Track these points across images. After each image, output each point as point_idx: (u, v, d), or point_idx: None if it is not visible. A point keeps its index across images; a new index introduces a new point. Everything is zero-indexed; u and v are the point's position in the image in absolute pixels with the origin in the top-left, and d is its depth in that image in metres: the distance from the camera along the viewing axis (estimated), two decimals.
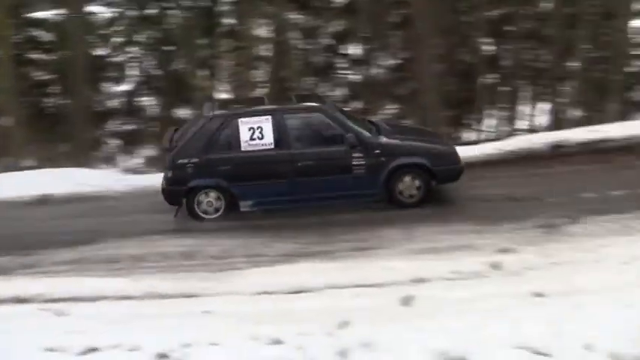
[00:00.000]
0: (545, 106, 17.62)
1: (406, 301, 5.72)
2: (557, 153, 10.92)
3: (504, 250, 6.84)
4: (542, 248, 6.86)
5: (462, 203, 8.61)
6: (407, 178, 8.73)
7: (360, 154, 8.64)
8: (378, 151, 8.69)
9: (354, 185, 8.68)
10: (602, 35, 17.23)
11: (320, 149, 8.71)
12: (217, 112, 8.89)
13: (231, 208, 8.68)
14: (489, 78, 16.64)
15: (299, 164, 8.62)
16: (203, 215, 8.72)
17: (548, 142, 11.25)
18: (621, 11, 16.17)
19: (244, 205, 8.72)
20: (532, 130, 16.32)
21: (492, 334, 4.81)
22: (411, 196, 8.74)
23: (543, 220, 7.74)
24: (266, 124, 8.60)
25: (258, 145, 8.58)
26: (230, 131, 8.63)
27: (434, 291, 5.91)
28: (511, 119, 17.57)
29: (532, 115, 18.27)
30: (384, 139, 8.87)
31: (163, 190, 8.80)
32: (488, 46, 17.01)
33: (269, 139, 8.58)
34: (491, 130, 17.31)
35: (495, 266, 6.44)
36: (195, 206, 8.71)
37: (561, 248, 6.83)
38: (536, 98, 18.24)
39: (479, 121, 17.31)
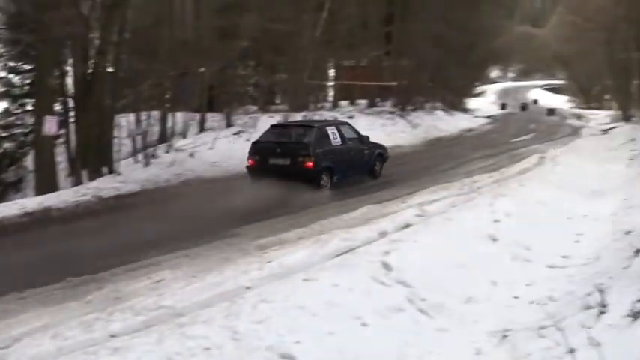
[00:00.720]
0: None
1: None
2: None
3: None
4: None
5: None
6: (377, 161, 17.10)
7: (366, 147, 16.65)
8: (370, 145, 16.94)
9: (362, 166, 16.52)
10: None
11: (353, 145, 16.21)
12: (320, 124, 16.36)
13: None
14: None
15: (351, 153, 16.02)
16: (324, 185, 14.83)
17: None
18: None
19: (335, 179, 15.15)
20: None
21: None
22: (377, 171, 17.03)
23: None
24: (335, 130, 15.83)
25: (336, 142, 15.61)
26: (325, 134, 15.46)
27: None
28: None
29: None
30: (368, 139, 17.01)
31: (308, 172, 14.55)
32: None
33: (339, 139, 15.72)
34: None
35: None
36: (322, 181, 14.82)
37: None
38: None
39: None
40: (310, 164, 14.60)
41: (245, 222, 11.65)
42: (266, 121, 21.73)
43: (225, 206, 13.03)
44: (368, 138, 17.13)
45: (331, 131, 15.67)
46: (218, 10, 22.29)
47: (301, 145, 14.87)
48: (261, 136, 16.20)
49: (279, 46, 25.53)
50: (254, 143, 15.60)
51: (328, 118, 20.73)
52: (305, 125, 16.27)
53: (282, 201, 13.24)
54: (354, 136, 16.41)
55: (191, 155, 18.00)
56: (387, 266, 8.22)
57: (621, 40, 38.81)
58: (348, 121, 23.80)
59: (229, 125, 21.76)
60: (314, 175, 14.63)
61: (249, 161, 15.25)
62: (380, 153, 17.19)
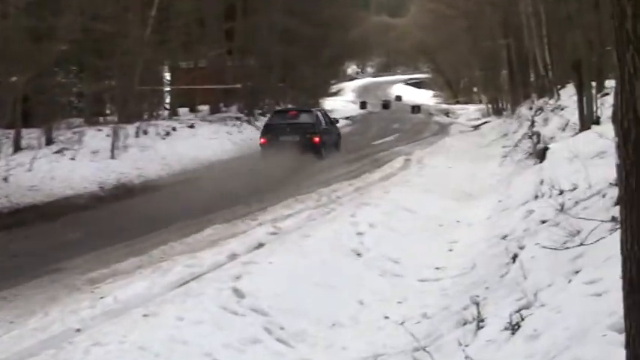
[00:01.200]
0: None
1: None
2: None
3: None
4: None
5: None
6: (339, 139, 26.84)
7: (334, 127, 26.68)
8: (337, 126, 27.27)
9: (334, 142, 25.71)
10: None
11: (330, 126, 25.62)
12: (314, 109, 27.65)
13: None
14: None
15: (330, 132, 25.20)
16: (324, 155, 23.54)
17: None
18: None
19: (328, 150, 24.18)
20: None
21: None
22: (339, 145, 26.22)
23: None
24: (321, 115, 25.70)
25: (323, 124, 24.75)
26: (318, 117, 24.89)
27: None
28: None
29: None
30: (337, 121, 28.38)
31: (315, 145, 22.91)
32: None
33: (324, 121, 25.00)
34: None
35: None
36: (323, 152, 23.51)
37: None
38: None
39: None
40: (317, 139, 22.91)
41: (74, 253, 11.31)
42: (94, 135, 21.30)
43: (50, 236, 12.65)
44: (337, 121, 27.65)
45: (320, 115, 25.07)
46: (28, 8, 21.55)
47: (308, 124, 23.49)
48: (269, 119, 25.50)
49: (105, 49, 25.04)
50: (266, 125, 24.30)
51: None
52: (305, 110, 26.12)
53: (116, 227, 12.99)
54: (328, 119, 25.73)
55: (5, 179, 17.33)
56: (238, 293, 8.23)
57: (486, 26, 40.80)
58: (189, 130, 24.32)
59: (50, 142, 21.12)
60: (319, 147, 22.79)
61: (262, 139, 22.98)
62: (338, 133, 27.05)
